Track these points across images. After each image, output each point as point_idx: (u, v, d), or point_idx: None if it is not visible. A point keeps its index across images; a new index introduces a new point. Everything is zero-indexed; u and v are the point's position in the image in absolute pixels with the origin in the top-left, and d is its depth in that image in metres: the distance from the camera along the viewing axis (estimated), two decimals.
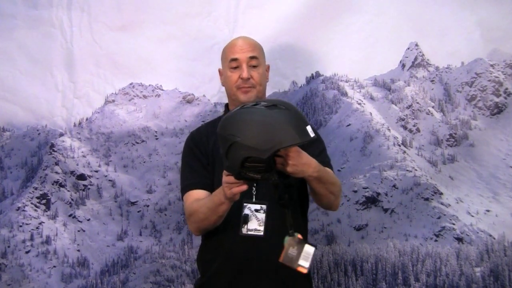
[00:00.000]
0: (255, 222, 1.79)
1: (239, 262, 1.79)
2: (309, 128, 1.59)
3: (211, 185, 1.80)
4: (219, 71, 2.04)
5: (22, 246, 11.15)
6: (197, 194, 1.83)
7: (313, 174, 1.69)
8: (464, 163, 13.06)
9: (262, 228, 1.80)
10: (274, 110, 1.56)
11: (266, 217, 1.80)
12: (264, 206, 1.79)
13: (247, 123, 1.54)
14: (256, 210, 1.79)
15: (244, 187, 1.55)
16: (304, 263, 1.72)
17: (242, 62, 1.87)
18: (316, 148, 1.91)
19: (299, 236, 1.76)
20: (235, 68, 1.94)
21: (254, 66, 1.94)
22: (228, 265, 1.80)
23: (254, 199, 1.80)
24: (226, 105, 2.00)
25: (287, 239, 1.75)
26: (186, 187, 1.91)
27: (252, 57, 1.92)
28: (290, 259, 1.72)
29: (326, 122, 15.31)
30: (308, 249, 1.75)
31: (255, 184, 1.81)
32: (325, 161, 1.92)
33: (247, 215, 1.79)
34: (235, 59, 1.88)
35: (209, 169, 1.83)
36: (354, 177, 13.59)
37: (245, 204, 1.80)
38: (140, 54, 9.91)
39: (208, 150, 1.87)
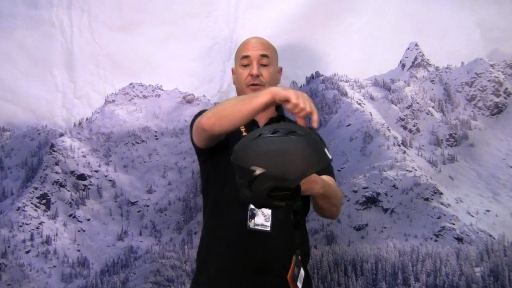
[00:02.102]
0: (262, 218, 1.80)
1: (245, 258, 1.79)
2: (326, 149, 1.58)
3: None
4: (232, 70, 2.05)
5: (22, 246, 11.15)
6: None
7: (319, 191, 1.71)
8: (464, 163, 13.06)
9: (268, 223, 1.80)
10: (294, 137, 1.52)
11: (272, 213, 1.81)
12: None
13: (270, 153, 1.50)
14: None
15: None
16: (299, 285, 1.74)
17: (253, 59, 1.88)
18: None
19: (299, 257, 1.77)
20: (246, 65, 1.94)
21: (265, 65, 1.94)
22: (233, 260, 1.80)
23: None
24: None
25: (295, 258, 1.75)
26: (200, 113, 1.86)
27: (263, 55, 1.92)
28: (295, 278, 1.73)
29: (326, 122, 15.35)
30: (302, 272, 1.77)
31: None
32: (328, 170, 1.94)
33: (253, 210, 1.80)
34: (246, 56, 1.89)
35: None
36: (354, 177, 13.59)
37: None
38: (140, 54, 9.90)
39: None
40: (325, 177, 1.82)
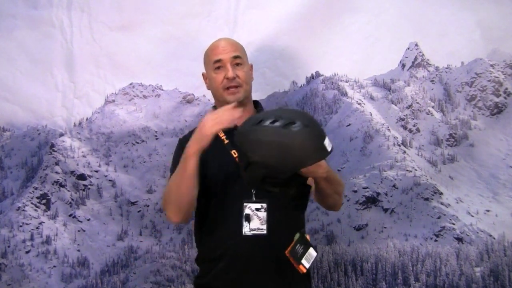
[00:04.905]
0: (257, 221, 1.80)
1: (243, 262, 1.79)
2: (326, 141, 1.56)
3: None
4: (203, 75, 2.04)
5: (22, 246, 11.13)
6: None
7: (323, 175, 1.69)
8: (464, 163, 13.03)
9: (264, 226, 1.80)
10: (292, 129, 1.51)
11: (268, 215, 1.81)
12: (264, 205, 1.80)
13: (266, 144, 1.50)
14: (257, 209, 1.79)
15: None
16: (305, 264, 1.74)
17: (226, 62, 1.87)
18: None
19: (308, 237, 1.78)
20: (219, 68, 1.94)
21: (238, 64, 1.94)
22: (233, 265, 1.80)
23: (254, 198, 1.81)
24: (214, 108, 2.00)
25: (298, 235, 1.76)
26: (169, 178, 1.93)
27: (235, 57, 1.91)
28: (295, 255, 1.73)
29: (326, 122, 15.32)
30: (312, 252, 1.76)
31: None
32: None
33: (248, 215, 1.79)
34: (218, 60, 1.88)
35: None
36: (354, 177, 13.55)
37: (245, 204, 1.81)
38: (140, 54, 9.90)
39: None
40: None
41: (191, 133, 1.91)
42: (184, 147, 1.86)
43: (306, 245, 1.72)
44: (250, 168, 1.53)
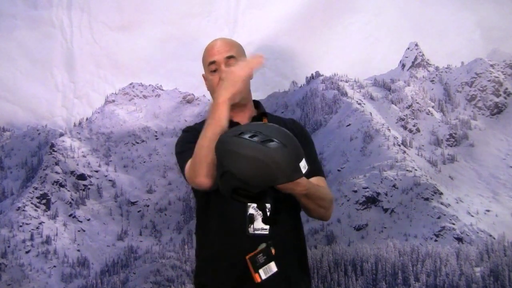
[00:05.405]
0: (261, 222, 1.81)
1: (245, 261, 1.80)
2: (302, 163, 1.57)
3: None
4: (203, 76, 2.04)
5: (22, 246, 11.25)
6: None
7: (302, 192, 1.70)
8: (464, 163, 13.33)
9: (267, 226, 1.82)
10: (269, 147, 1.52)
11: (271, 215, 1.82)
12: (268, 205, 1.81)
13: (241, 157, 1.51)
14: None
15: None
16: (262, 274, 1.75)
17: (220, 64, 1.87)
18: (309, 155, 1.88)
19: (273, 251, 1.78)
20: (215, 71, 1.94)
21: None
22: (234, 264, 1.81)
23: None
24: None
25: (264, 246, 1.77)
26: (186, 157, 1.84)
27: (229, 57, 1.91)
28: (255, 263, 1.75)
29: (326, 122, 15.67)
30: (273, 267, 1.76)
31: None
32: (317, 168, 1.93)
33: (252, 215, 1.81)
34: (213, 62, 1.88)
35: None
36: (354, 177, 13.84)
37: (249, 203, 1.81)
38: (140, 54, 9.89)
39: None
40: (314, 179, 1.83)
41: (194, 126, 1.92)
42: (193, 134, 1.85)
43: (269, 258, 1.74)
44: (224, 177, 1.54)
